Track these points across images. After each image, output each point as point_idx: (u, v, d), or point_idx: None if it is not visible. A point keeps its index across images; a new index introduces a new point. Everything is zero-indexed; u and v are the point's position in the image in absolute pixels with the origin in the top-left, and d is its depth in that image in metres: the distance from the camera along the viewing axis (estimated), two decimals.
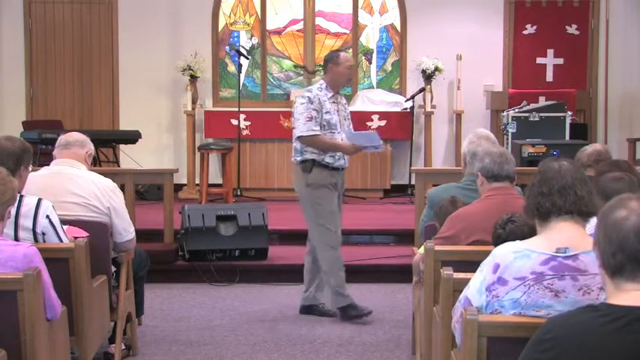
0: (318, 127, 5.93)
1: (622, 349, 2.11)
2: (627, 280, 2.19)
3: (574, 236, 2.85)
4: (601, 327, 2.13)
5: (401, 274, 6.63)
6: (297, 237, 8.00)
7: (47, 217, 4.12)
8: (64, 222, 4.33)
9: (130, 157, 9.85)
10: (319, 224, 6.04)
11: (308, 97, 5.96)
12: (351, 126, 6.20)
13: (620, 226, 2.19)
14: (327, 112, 5.97)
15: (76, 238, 4.34)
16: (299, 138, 5.96)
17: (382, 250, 7.62)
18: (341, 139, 6.02)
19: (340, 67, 6.06)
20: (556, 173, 2.96)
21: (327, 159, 5.98)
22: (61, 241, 4.19)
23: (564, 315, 2.27)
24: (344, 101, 6.23)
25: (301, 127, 5.92)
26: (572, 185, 2.91)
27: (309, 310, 6.17)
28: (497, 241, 3.45)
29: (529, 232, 3.37)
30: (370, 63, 10.89)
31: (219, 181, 10.00)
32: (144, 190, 9.74)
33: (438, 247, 4.00)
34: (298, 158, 6.01)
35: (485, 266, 2.94)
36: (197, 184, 9.96)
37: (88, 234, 4.44)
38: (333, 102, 6.05)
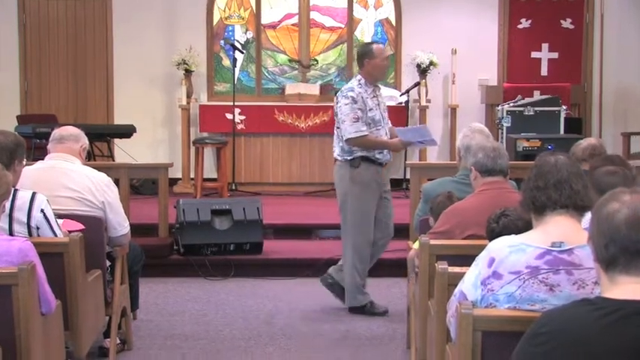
0: (365, 127, 5.89)
1: (617, 342, 2.11)
2: (621, 273, 2.20)
3: (569, 230, 2.85)
4: (596, 320, 2.13)
5: (396, 268, 6.63)
6: (292, 231, 8.04)
7: (42, 211, 4.12)
8: (58, 216, 4.33)
9: (125, 152, 9.83)
10: (354, 224, 6.06)
11: (352, 97, 5.89)
12: (386, 118, 6.14)
13: (612, 219, 2.19)
14: (370, 110, 5.95)
15: (71, 231, 4.34)
16: (347, 140, 5.89)
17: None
18: (385, 134, 6.02)
19: (377, 60, 6.03)
20: (552, 167, 2.96)
21: (377, 155, 6.00)
22: (55, 235, 4.18)
23: (559, 308, 2.27)
24: (381, 93, 6.20)
25: (348, 128, 5.85)
26: (568, 179, 2.92)
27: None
28: (491, 235, 3.45)
29: (523, 226, 3.38)
30: None
31: (214, 175, 10.00)
32: (139, 184, 9.73)
33: (432, 242, 4.00)
34: (348, 158, 5.98)
35: (481, 260, 2.95)
36: (192, 179, 9.95)
37: (83, 226, 4.43)
38: (374, 97, 6.02)
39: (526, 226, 3.34)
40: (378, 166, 6.04)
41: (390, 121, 6.19)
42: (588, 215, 2.56)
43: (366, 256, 6.11)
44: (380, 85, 6.25)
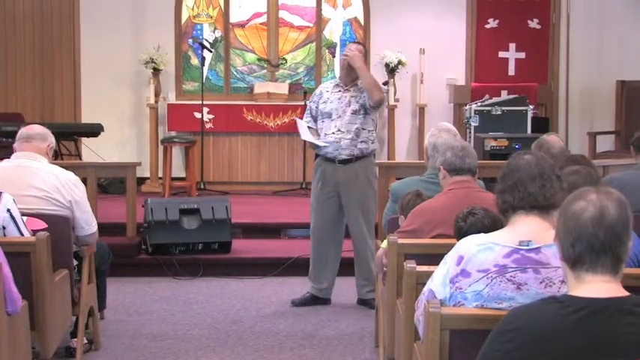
0: (307, 118, 6.20)
1: (583, 340, 2.13)
2: (587, 271, 2.22)
3: (537, 229, 2.87)
4: (562, 318, 2.16)
5: None
6: (261, 230, 8.03)
7: (8, 210, 4.09)
8: (24, 215, 4.29)
9: (92, 151, 9.76)
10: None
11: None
12: (346, 113, 6.07)
13: (579, 217, 2.21)
14: (323, 102, 6.08)
15: (35, 230, 4.31)
16: None
17: (346, 243, 7.60)
18: (334, 127, 6.05)
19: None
20: (522, 167, 2.98)
21: (321, 150, 6.12)
22: (22, 234, 4.15)
23: (526, 306, 2.29)
24: (358, 89, 6.10)
25: None
26: (523, 181, 2.93)
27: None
28: (459, 233, 3.47)
29: (490, 224, 3.41)
30: (334, 56, 10.89)
31: (183, 174, 9.96)
32: (106, 183, 9.67)
33: (401, 241, 4.01)
34: None
35: (449, 258, 2.96)
36: (160, 178, 9.90)
37: (46, 225, 4.40)
38: (339, 92, 6.09)
39: (493, 225, 3.37)
40: (327, 162, 6.10)
41: (349, 117, 6.05)
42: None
43: (311, 250, 6.25)
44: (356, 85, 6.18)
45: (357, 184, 6.08)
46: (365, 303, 6.14)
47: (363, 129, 6.06)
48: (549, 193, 2.91)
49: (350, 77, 6.11)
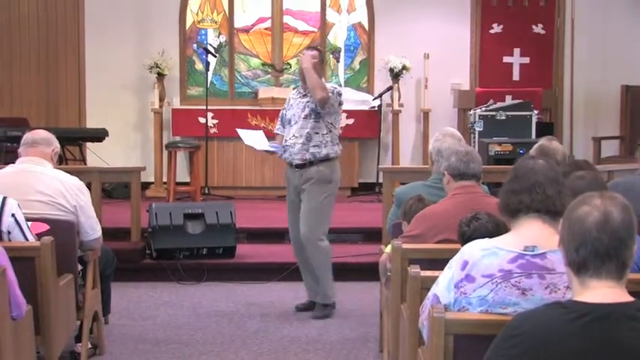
0: (278, 125, 6.26)
1: (587, 345, 2.13)
2: (592, 277, 2.22)
3: (542, 235, 2.87)
4: (567, 323, 2.15)
5: (369, 272, 6.63)
6: (266, 235, 8.03)
7: (13, 215, 4.09)
8: (29, 220, 4.30)
9: (97, 155, 9.77)
10: None
11: None
12: (301, 118, 6.09)
13: (583, 222, 2.21)
14: (289, 109, 6.14)
15: (38, 234, 4.32)
16: None
17: (350, 249, 7.63)
18: (292, 133, 6.08)
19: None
20: (528, 171, 2.98)
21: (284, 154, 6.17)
22: (26, 239, 4.16)
23: (531, 311, 2.29)
24: (310, 97, 6.11)
25: None
26: (542, 184, 2.93)
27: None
28: (463, 238, 3.47)
29: (494, 229, 3.41)
30: (338, 61, 10.90)
31: (187, 179, 9.97)
32: (111, 188, 9.68)
33: (405, 245, 4.01)
34: None
35: (454, 263, 2.96)
36: (164, 183, 9.91)
37: (48, 227, 4.40)
38: (300, 97, 6.12)
39: (497, 229, 3.37)
40: (288, 167, 6.19)
41: (301, 121, 6.05)
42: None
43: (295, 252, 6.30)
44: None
45: (309, 188, 6.06)
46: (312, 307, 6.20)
47: (316, 133, 6.04)
48: (564, 200, 2.91)
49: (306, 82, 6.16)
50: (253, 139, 6.33)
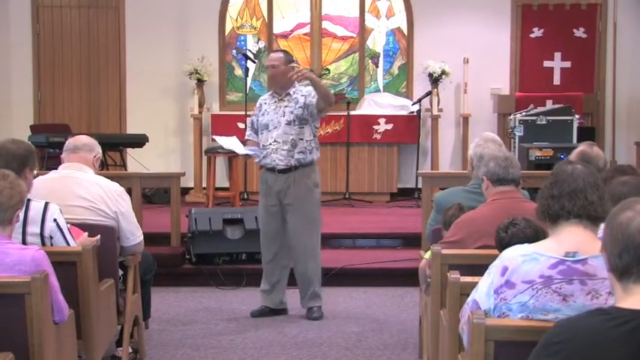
0: (249, 132, 6.29)
1: (630, 352, 2.11)
2: (635, 282, 2.19)
3: (583, 240, 2.84)
4: (609, 330, 2.13)
5: (408, 277, 6.62)
6: None
7: (55, 220, 4.13)
8: (69, 224, 4.33)
9: (137, 161, 9.86)
10: None
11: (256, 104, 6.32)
12: (281, 124, 6.07)
13: (626, 227, 2.19)
14: (262, 114, 6.16)
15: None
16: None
17: (389, 254, 7.61)
18: (270, 138, 6.07)
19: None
20: (568, 176, 2.94)
21: (262, 159, 6.16)
22: (68, 244, 4.19)
23: (573, 318, 2.27)
24: (296, 98, 6.11)
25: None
26: (584, 189, 2.90)
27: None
28: (500, 244, 3.45)
29: (532, 235, 3.38)
30: (377, 66, 10.90)
31: (226, 184, 10.00)
32: (151, 193, 9.75)
33: (444, 251, 3.99)
34: None
35: (494, 269, 2.94)
36: (204, 188, 9.96)
37: (84, 233, 4.43)
38: (275, 102, 6.13)
39: (535, 235, 3.34)
40: (268, 171, 6.15)
41: (283, 127, 6.04)
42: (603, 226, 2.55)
43: (265, 261, 6.27)
44: (295, 91, 6.14)
45: (295, 190, 6.07)
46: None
47: (300, 139, 6.05)
48: (606, 205, 2.87)
49: (279, 85, 6.13)
50: (231, 144, 6.42)
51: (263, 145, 6.11)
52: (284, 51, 6.62)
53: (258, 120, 6.19)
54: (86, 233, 4.44)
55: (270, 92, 6.30)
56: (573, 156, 5.08)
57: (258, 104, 6.27)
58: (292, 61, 6.26)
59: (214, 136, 6.84)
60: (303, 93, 6.09)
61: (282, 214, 6.14)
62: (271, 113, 6.10)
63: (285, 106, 6.08)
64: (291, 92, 6.11)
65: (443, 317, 3.90)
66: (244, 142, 6.40)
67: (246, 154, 6.38)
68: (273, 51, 6.72)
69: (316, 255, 6.20)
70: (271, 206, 6.15)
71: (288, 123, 6.04)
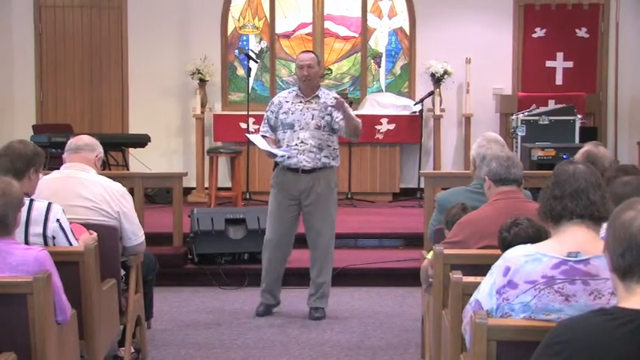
0: (265, 128, 6.20)
1: (633, 352, 2.10)
2: (638, 282, 2.19)
3: (586, 240, 2.84)
4: (612, 330, 2.13)
5: (410, 277, 6.61)
6: (306, 241, 8.01)
7: (57, 220, 4.13)
8: (71, 224, 4.33)
9: (139, 161, 9.86)
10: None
11: (271, 101, 6.26)
12: (310, 127, 6.05)
13: (629, 227, 2.19)
14: (284, 113, 6.09)
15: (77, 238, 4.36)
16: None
17: (391, 254, 7.62)
18: (297, 138, 6.03)
19: (297, 70, 6.23)
20: (569, 177, 2.94)
21: (279, 159, 6.12)
22: (70, 244, 4.20)
23: (575, 318, 2.27)
24: (323, 102, 6.09)
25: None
26: (585, 189, 2.90)
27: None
28: (503, 244, 3.45)
29: (534, 235, 3.37)
30: (379, 66, 10.89)
31: (228, 184, 10.01)
32: (153, 193, 9.76)
33: (447, 251, 3.99)
34: None
35: (496, 269, 2.94)
36: (206, 188, 9.97)
37: (86, 230, 4.44)
38: (300, 102, 6.09)
39: (537, 235, 3.34)
40: (287, 171, 6.10)
41: (312, 130, 6.03)
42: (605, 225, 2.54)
43: (266, 261, 6.24)
44: (324, 95, 6.13)
45: (319, 189, 6.09)
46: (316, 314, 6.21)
47: (328, 145, 6.08)
48: (608, 205, 2.88)
49: (310, 87, 6.12)
50: (264, 143, 6.23)
51: (287, 145, 6.08)
52: (314, 52, 6.62)
53: (277, 118, 6.12)
54: (88, 232, 4.44)
55: (291, 91, 6.23)
56: (579, 156, 5.08)
57: (277, 101, 6.18)
58: (320, 62, 6.29)
59: (247, 134, 6.74)
60: (331, 102, 6.03)
61: (297, 215, 6.15)
62: (297, 113, 6.06)
63: (314, 109, 6.06)
64: (320, 95, 6.11)
65: (445, 317, 3.90)
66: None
67: (282, 156, 6.12)
68: (304, 51, 6.65)
69: (333, 256, 6.24)
70: (285, 206, 6.12)
71: (318, 127, 6.04)
